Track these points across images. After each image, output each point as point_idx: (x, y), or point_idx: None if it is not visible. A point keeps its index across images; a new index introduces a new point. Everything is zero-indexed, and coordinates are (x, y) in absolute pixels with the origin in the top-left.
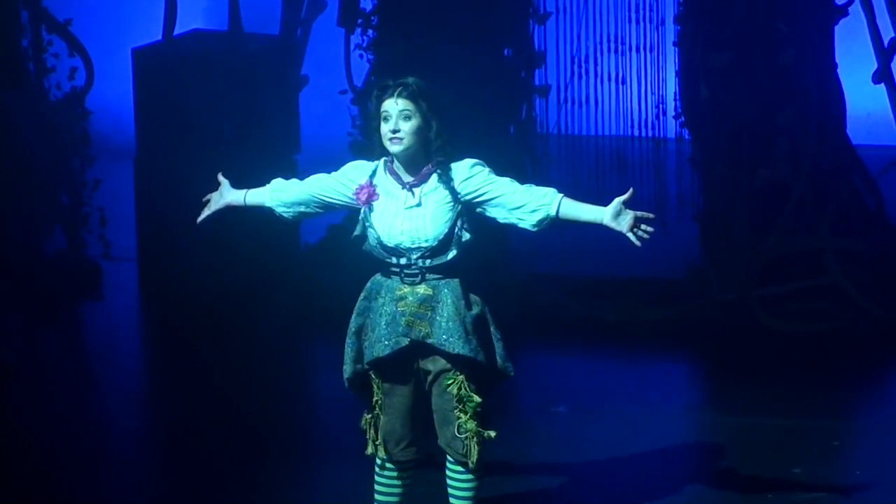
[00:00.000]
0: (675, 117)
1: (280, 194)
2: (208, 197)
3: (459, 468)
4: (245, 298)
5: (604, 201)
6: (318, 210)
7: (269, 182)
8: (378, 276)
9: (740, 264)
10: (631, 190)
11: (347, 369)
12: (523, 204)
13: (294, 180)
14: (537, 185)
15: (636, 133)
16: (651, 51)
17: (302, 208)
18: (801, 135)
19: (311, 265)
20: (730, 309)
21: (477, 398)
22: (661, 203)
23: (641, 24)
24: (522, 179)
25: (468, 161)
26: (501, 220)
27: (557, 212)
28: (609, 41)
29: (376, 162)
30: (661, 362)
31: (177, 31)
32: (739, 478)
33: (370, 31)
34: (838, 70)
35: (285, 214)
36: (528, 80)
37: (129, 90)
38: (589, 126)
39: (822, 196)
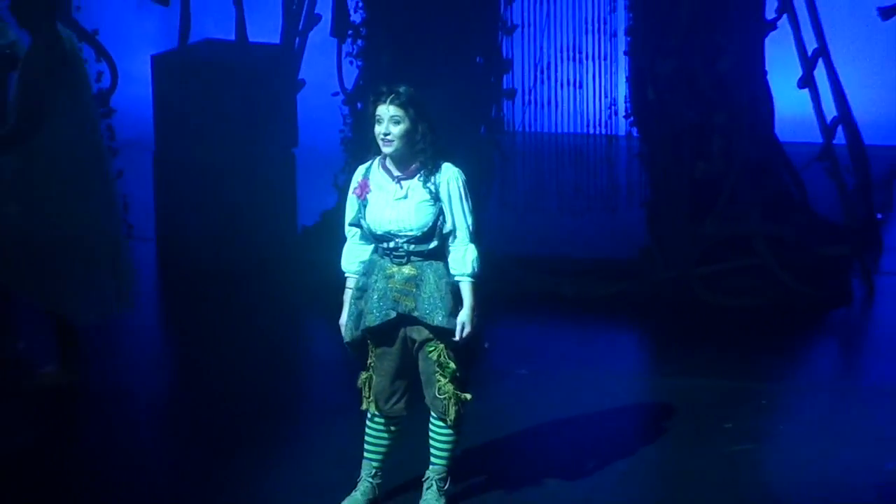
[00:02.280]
0: (626, 117)
1: (355, 257)
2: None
3: (440, 423)
4: (250, 274)
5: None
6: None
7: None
8: (374, 256)
9: (682, 246)
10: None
11: (347, 334)
12: (452, 248)
13: (347, 245)
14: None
15: (591, 131)
16: (605, 59)
17: (365, 239)
18: (734, 133)
19: (307, 245)
20: (672, 285)
21: (453, 365)
22: (613, 192)
23: (596, 35)
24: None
25: (456, 174)
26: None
27: (455, 277)
28: (568, 50)
29: (371, 160)
30: (612, 331)
31: (190, 39)
32: (679, 432)
33: (359, 41)
34: (768, 76)
35: (367, 246)
36: (497, 84)
37: (149, 91)
38: (550, 125)
39: (753, 187)
